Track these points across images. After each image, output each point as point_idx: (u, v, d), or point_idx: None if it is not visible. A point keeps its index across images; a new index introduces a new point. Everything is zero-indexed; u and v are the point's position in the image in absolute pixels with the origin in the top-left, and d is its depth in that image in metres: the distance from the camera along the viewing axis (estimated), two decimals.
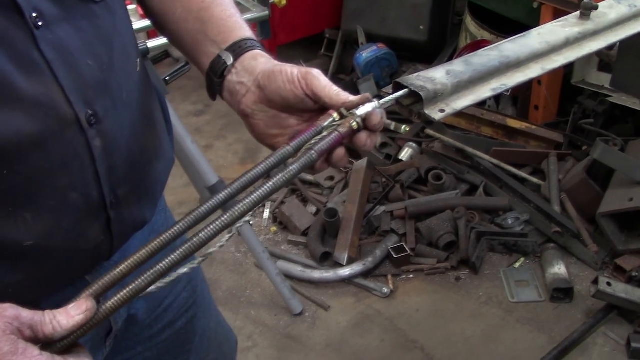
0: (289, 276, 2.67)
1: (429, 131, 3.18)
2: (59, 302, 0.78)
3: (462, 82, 0.79)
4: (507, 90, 3.15)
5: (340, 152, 0.81)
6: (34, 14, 0.75)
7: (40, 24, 0.76)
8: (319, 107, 0.87)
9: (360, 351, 2.42)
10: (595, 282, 2.37)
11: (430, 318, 2.52)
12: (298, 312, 2.56)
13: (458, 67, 0.81)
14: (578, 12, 0.93)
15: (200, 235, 0.70)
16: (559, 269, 2.58)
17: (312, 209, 3.01)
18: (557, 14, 2.93)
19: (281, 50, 4.02)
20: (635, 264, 2.53)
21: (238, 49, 0.93)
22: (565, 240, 2.69)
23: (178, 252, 0.70)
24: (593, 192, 2.68)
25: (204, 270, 1.35)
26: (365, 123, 0.79)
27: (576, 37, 0.89)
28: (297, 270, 2.72)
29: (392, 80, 3.69)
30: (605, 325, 2.40)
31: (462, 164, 3.05)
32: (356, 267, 2.68)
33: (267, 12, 2.18)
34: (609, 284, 2.35)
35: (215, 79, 0.94)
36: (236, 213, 0.71)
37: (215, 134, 3.74)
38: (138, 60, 0.97)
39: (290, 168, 0.75)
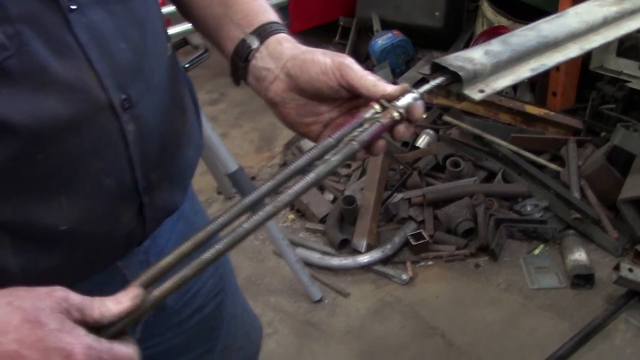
0: (307, 263, 2.68)
1: (447, 118, 3.17)
2: (90, 289, 0.78)
3: (501, 62, 0.78)
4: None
5: (381, 143, 0.80)
6: None
7: (73, 7, 0.76)
8: (352, 96, 0.86)
9: (380, 338, 2.42)
10: (617, 268, 2.35)
11: (450, 305, 2.52)
12: (317, 299, 2.56)
13: (496, 47, 0.80)
14: None
15: (245, 225, 0.70)
16: (579, 255, 2.56)
17: (330, 196, 3.01)
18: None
19: (295, 38, 4.00)
20: None
21: (263, 32, 0.91)
22: (585, 226, 2.67)
23: (223, 242, 0.71)
24: (613, 178, 2.66)
25: None
26: (408, 115, 0.78)
27: (614, 16, 0.88)
28: (315, 257, 2.72)
29: (407, 68, 3.68)
30: (627, 312, 2.38)
31: (480, 151, 3.03)
32: (375, 254, 2.67)
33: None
34: (630, 270, 2.33)
35: (240, 63, 0.92)
36: (279, 204, 0.72)
37: (231, 123, 3.74)
38: (169, 44, 0.97)
39: (333, 159, 0.74)
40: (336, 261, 2.69)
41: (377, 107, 0.78)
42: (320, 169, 0.74)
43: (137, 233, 0.93)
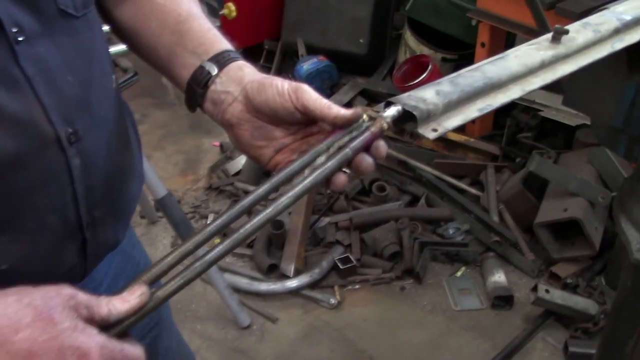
0: (235, 289, 2.65)
1: None
2: None
3: (451, 102, 0.82)
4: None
5: (342, 177, 0.82)
6: (15, 29, 0.73)
7: (20, 39, 0.74)
8: (306, 120, 0.87)
9: None
10: (535, 289, 2.46)
11: (377, 327, 2.56)
12: (246, 325, 2.54)
13: (446, 88, 0.83)
14: (549, 36, 0.97)
15: (247, 226, 0.74)
16: (498, 277, 2.67)
17: None
18: (494, 31, 3.05)
19: None
20: (569, 271, 2.65)
21: (222, 59, 0.92)
22: (503, 249, 2.79)
23: (226, 242, 0.73)
24: (529, 202, 2.80)
25: None
26: (373, 154, 0.81)
27: (550, 60, 0.94)
28: (243, 282, 2.70)
29: (332, 93, 3.74)
30: (544, 331, 2.50)
31: (405, 176, 3.11)
32: (303, 279, 2.68)
33: (217, 24, 2.17)
34: (547, 291, 2.45)
35: (198, 90, 0.92)
36: (280, 206, 0.75)
37: (153, 145, 3.66)
38: (114, 76, 0.95)
39: (328, 164, 0.77)
40: (264, 286, 2.68)
41: (365, 117, 0.81)
42: (317, 173, 0.77)
43: (78, 270, 0.91)
